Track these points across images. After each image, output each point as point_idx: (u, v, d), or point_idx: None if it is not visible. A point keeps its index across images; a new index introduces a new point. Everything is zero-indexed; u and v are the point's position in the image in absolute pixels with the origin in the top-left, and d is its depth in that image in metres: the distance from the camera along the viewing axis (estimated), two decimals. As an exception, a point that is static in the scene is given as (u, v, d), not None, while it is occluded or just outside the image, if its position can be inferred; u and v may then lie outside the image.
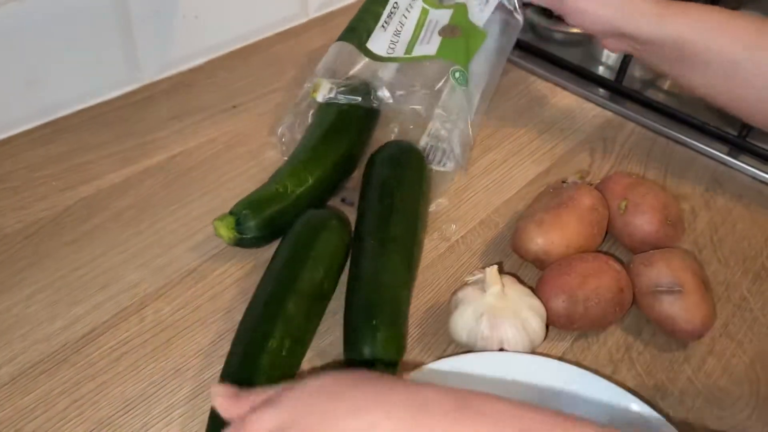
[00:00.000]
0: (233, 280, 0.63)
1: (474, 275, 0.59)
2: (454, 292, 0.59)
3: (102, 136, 0.77)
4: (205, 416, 0.53)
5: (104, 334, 0.58)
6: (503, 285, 0.57)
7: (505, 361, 0.55)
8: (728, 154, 0.84)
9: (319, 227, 0.62)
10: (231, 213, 0.62)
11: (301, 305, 0.56)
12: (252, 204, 0.63)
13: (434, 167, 0.74)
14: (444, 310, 0.61)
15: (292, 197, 0.64)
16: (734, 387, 0.59)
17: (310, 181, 0.65)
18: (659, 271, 0.61)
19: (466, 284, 0.59)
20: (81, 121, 0.79)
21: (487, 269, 0.57)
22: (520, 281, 0.62)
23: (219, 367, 0.56)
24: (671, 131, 0.86)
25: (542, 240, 0.62)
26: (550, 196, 0.67)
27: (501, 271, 0.59)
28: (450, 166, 0.76)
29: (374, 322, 0.55)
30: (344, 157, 0.69)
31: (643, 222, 0.66)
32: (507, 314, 0.56)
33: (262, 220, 0.62)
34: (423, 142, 0.75)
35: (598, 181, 0.72)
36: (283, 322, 0.55)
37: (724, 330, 0.63)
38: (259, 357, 0.52)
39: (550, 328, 0.61)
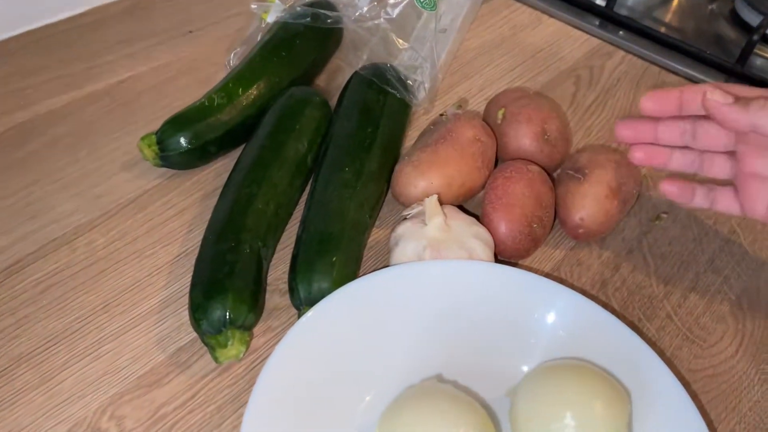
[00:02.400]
0: (176, 212, 0.58)
1: (412, 208, 0.54)
2: (393, 229, 0.54)
3: (44, 60, 0.71)
4: (135, 352, 0.49)
5: (30, 265, 0.53)
6: (445, 215, 0.52)
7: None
8: (725, 83, 0.77)
9: (303, 101, 0.60)
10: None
11: (286, 173, 0.55)
12: (174, 119, 0.58)
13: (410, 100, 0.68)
14: (385, 249, 0.56)
15: (219, 111, 0.59)
16: (717, 325, 0.54)
17: (240, 95, 0.60)
18: (578, 156, 0.58)
19: (404, 219, 0.54)
20: (22, 45, 0.73)
21: (426, 200, 0.52)
22: (465, 211, 0.56)
23: (153, 301, 0.52)
24: (664, 59, 0.81)
25: (422, 182, 0.55)
26: (429, 133, 0.60)
27: (441, 202, 0.54)
28: (420, 98, 0.70)
29: (333, 259, 0.50)
30: (285, 76, 0.64)
31: (517, 133, 0.60)
32: (451, 245, 0.51)
33: (184, 135, 0.58)
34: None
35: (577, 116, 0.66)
36: (269, 186, 0.53)
37: (710, 265, 0.58)
38: (245, 216, 0.51)
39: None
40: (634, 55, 0.81)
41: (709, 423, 0.48)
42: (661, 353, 0.52)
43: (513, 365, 0.48)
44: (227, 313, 0.46)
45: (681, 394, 0.44)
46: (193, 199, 0.59)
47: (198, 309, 0.47)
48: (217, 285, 0.47)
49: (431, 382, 0.44)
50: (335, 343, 0.46)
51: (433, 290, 0.48)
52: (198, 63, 0.73)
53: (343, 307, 0.47)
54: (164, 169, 0.61)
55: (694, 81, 0.78)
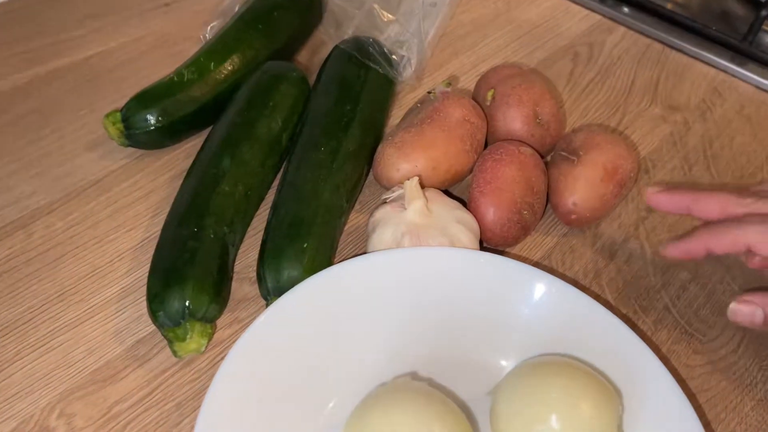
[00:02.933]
0: (143, 194, 0.55)
1: (393, 192, 0.50)
2: (371, 213, 0.50)
3: (6, 34, 0.67)
4: (91, 344, 0.46)
5: (-18, 251, 0.50)
6: (426, 199, 0.48)
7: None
8: (731, 61, 0.74)
9: (279, 77, 0.57)
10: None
11: (257, 153, 0.51)
12: (140, 96, 0.55)
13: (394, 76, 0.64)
14: (365, 235, 0.53)
15: (190, 87, 0.55)
16: (718, 318, 0.51)
17: (212, 69, 0.56)
18: (572, 136, 0.54)
19: (384, 203, 0.50)
20: (-15, 18, 0.69)
21: (406, 182, 0.48)
22: (451, 196, 0.53)
23: (113, 289, 0.49)
24: (667, 36, 0.77)
25: (406, 165, 0.51)
26: (415, 113, 0.56)
27: (423, 185, 0.50)
28: (407, 74, 0.66)
29: (305, 245, 0.46)
30: (261, 50, 0.60)
31: (506, 117, 0.56)
32: (432, 231, 0.47)
33: (151, 112, 0.54)
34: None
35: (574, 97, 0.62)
36: (238, 166, 0.50)
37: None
38: (210, 198, 0.47)
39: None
40: (636, 31, 0.77)
41: (707, 424, 0.45)
42: (657, 348, 0.48)
43: (495, 362, 0.44)
44: (186, 304, 0.43)
45: (676, 392, 0.41)
46: (161, 181, 0.56)
47: (155, 299, 0.43)
48: (176, 273, 0.44)
49: (404, 379, 0.40)
50: (303, 337, 0.42)
51: (410, 280, 0.45)
52: (172, 37, 0.69)
53: (313, 297, 0.43)
54: (131, 149, 0.57)
55: (699, 60, 0.74)
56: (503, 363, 0.44)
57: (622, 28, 0.77)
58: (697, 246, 0.46)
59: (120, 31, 0.69)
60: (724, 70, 0.73)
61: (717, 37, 0.75)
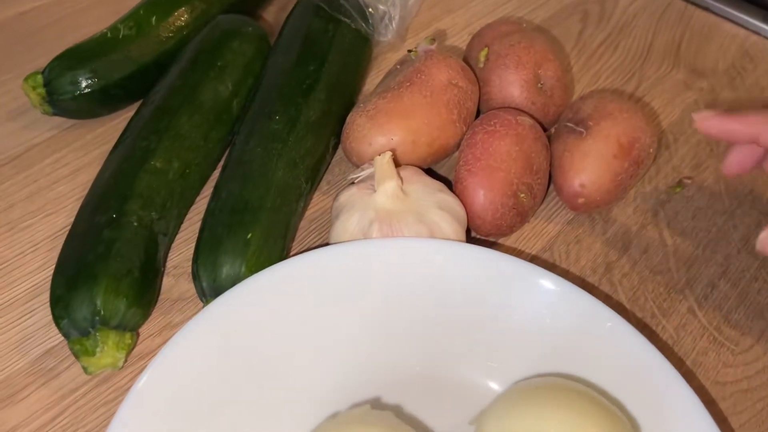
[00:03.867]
0: (69, 171, 0.47)
1: (362, 170, 0.41)
2: (336, 196, 0.42)
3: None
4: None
5: None
6: (401, 179, 0.40)
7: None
8: (764, 21, 0.64)
9: (231, 32, 0.48)
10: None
11: (200, 123, 0.43)
12: (65, 55, 0.46)
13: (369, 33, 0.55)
14: (330, 221, 0.44)
15: (126, 45, 0.47)
16: (753, 322, 0.42)
17: (154, 24, 0.47)
18: (581, 104, 0.46)
19: (351, 184, 0.42)
20: None
21: (377, 158, 0.40)
22: (434, 175, 0.44)
23: (22, 288, 0.41)
24: (691, -8, 0.67)
25: (379, 138, 0.43)
26: (393, 75, 0.47)
27: (398, 162, 0.41)
28: (388, 33, 0.56)
29: (248, 236, 0.38)
30: (214, 2, 0.51)
31: (502, 80, 0.47)
32: (407, 218, 0.39)
33: (78, 74, 0.45)
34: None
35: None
36: (174, 138, 0.41)
37: (744, 245, 0.46)
38: (135, 177, 0.39)
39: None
40: (655, -14, 0.68)
41: (743, 458, 0.36)
42: (680, 362, 0.40)
43: (480, 383, 0.36)
44: (96, 309, 0.34)
45: (704, 418, 0.33)
46: (92, 156, 0.48)
47: (58, 303, 0.35)
48: (85, 271, 0.35)
49: (363, 409, 0.32)
50: (240, 351, 0.34)
51: (377, 279, 0.37)
52: (119, -10, 0.60)
53: (255, 301, 0.35)
54: (60, 119, 0.49)
55: (726, 18, 0.65)
56: (491, 385, 0.36)
57: (640, -17, 0.68)
58: (741, 126, 0.39)
59: (60, -17, 0.60)
60: (756, 32, 0.64)
61: (748, -7, 0.66)
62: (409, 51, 0.48)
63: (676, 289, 0.44)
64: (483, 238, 0.44)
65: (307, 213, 0.45)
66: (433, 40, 0.48)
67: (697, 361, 0.40)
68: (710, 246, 0.46)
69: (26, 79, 0.46)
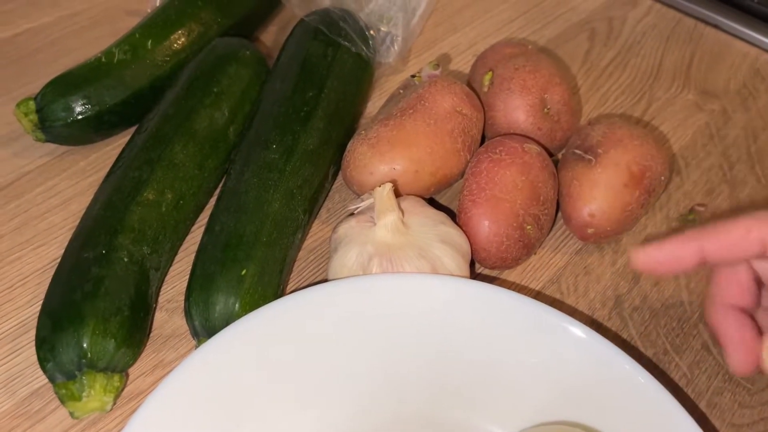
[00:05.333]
0: (60, 201, 0.45)
1: (362, 200, 0.40)
2: (335, 228, 0.40)
3: (-77, 7, 0.58)
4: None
5: None
6: (401, 211, 0.38)
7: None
8: (777, 40, 0.63)
9: (227, 56, 0.47)
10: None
11: (194, 151, 0.41)
12: (58, 80, 0.45)
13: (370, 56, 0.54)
14: (327, 250, 0.43)
15: (121, 69, 0.45)
16: (772, 360, 0.40)
17: (149, 48, 0.46)
18: (589, 130, 0.44)
19: (350, 215, 0.40)
20: None
21: (377, 189, 0.38)
22: (436, 205, 0.42)
23: (9, 324, 0.40)
24: (701, 9, 0.66)
25: (381, 167, 0.41)
26: (396, 101, 0.46)
27: (400, 193, 0.40)
28: (390, 55, 0.55)
29: (242, 272, 0.36)
30: (212, 25, 0.50)
31: (507, 105, 0.45)
32: (408, 253, 0.37)
33: (71, 100, 0.44)
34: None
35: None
36: (167, 168, 0.40)
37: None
38: (126, 210, 0.37)
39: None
40: (664, 4, 0.67)
41: None
42: (694, 406, 0.38)
43: (483, 429, 0.34)
44: (83, 351, 0.33)
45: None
46: (85, 185, 0.46)
47: (43, 345, 0.34)
48: (71, 311, 0.34)
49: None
50: (232, 395, 0.33)
51: (377, 317, 0.35)
52: (114, 12, 0.59)
53: (249, 341, 0.33)
54: (52, 146, 0.48)
55: (737, 37, 0.63)
56: (495, 431, 0.34)
57: (648, 1, 0.67)
58: (682, 248, 0.33)
59: (56, 3, 0.59)
60: (768, 50, 0.62)
61: (759, 11, 0.64)
62: (413, 76, 0.47)
63: (689, 323, 0.42)
64: (488, 269, 0.43)
65: (306, 243, 0.44)
66: (437, 65, 0.47)
67: (713, 402, 0.38)
68: (724, 277, 0.44)
69: (18, 105, 0.45)
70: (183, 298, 0.40)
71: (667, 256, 0.34)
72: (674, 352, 0.40)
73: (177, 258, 0.42)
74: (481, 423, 0.34)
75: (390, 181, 0.40)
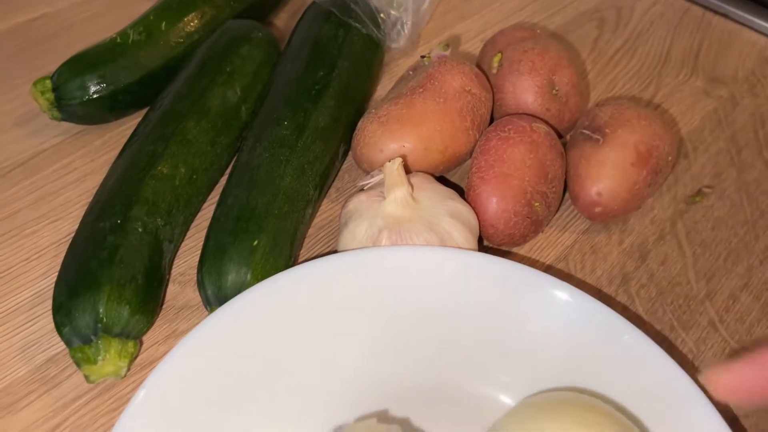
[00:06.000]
0: (76, 177, 0.46)
1: (372, 176, 0.40)
2: (345, 203, 0.41)
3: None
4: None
5: None
6: (411, 186, 0.39)
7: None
8: (785, 28, 0.63)
9: (240, 38, 0.48)
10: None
11: (207, 128, 0.42)
12: (74, 60, 0.46)
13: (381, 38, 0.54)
14: (337, 227, 0.44)
15: (135, 50, 0.46)
16: (779, 338, 0.41)
17: (163, 30, 0.46)
18: (597, 111, 0.45)
19: (361, 190, 0.41)
20: None
21: (387, 165, 0.39)
22: (446, 183, 0.43)
23: (26, 294, 0.40)
24: (710, -2, 0.66)
25: (391, 145, 0.42)
26: (406, 81, 0.46)
27: (409, 169, 0.40)
28: (400, 40, 0.56)
29: (254, 243, 0.37)
30: (225, 7, 0.51)
31: (516, 87, 0.46)
32: (417, 227, 0.38)
33: (87, 80, 0.45)
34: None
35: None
36: (180, 144, 0.40)
37: (766, 256, 0.44)
38: (141, 183, 0.38)
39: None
40: (673, -7, 0.67)
41: (767, 479, 0.35)
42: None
43: (490, 396, 0.35)
44: (99, 316, 0.34)
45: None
46: (99, 162, 0.47)
47: (60, 310, 0.34)
48: (88, 277, 0.34)
49: (368, 422, 0.31)
50: (244, 361, 0.33)
51: (386, 288, 0.35)
52: (130, -2, 0.60)
53: (260, 309, 0.34)
54: (68, 125, 0.49)
55: (745, 25, 0.63)
56: (502, 399, 0.34)
57: (657, -10, 0.67)
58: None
59: (72, -11, 0.60)
60: (778, 38, 0.62)
61: (768, 0, 0.64)
62: (422, 56, 0.48)
63: (696, 300, 0.42)
64: (495, 247, 0.43)
65: (316, 221, 0.44)
66: (446, 45, 0.47)
67: (719, 377, 0.39)
68: (731, 257, 0.44)
69: (35, 83, 0.46)
70: (195, 271, 0.41)
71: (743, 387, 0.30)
72: (681, 328, 0.41)
73: (189, 233, 0.43)
74: (488, 391, 0.35)
75: (398, 158, 0.41)
